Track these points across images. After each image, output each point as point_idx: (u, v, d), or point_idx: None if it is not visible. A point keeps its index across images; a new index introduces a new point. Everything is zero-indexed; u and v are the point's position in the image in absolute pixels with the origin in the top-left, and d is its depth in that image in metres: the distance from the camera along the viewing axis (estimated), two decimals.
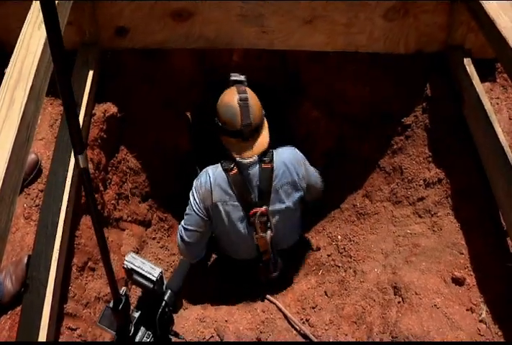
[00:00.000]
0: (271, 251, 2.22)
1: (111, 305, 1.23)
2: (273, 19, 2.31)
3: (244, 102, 1.99)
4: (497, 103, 2.27)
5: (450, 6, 2.26)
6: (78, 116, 0.84)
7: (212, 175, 2.09)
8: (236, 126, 1.99)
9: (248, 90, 2.07)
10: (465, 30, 2.31)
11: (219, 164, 2.11)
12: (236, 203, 2.09)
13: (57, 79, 0.75)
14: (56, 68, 0.74)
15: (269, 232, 2.14)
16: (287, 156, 2.17)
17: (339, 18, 2.30)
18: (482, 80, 2.26)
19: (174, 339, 1.50)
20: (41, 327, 1.50)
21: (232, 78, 2.14)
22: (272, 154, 2.13)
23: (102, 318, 1.30)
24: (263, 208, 2.10)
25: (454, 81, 2.31)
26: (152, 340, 1.34)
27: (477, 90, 2.16)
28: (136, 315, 1.33)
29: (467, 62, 2.30)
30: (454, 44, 2.36)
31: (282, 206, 2.16)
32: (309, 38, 2.37)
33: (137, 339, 1.33)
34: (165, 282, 1.39)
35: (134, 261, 1.31)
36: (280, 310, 2.00)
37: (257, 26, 2.34)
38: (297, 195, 2.19)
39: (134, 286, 1.86)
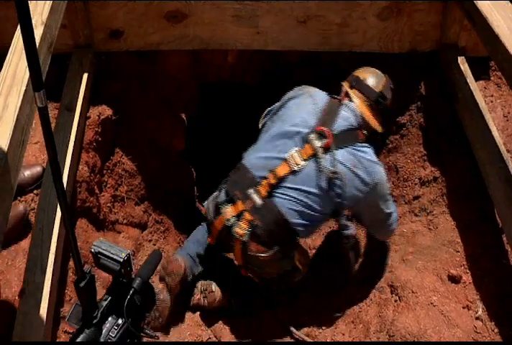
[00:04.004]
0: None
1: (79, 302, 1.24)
2: (267, 19, 2.32)
3: None
4: (492, 101, 2.28)
5: (443, 4, 2.27)
6: (36, 50, 0.83)
7: None
8: None
9: None
10: (458, 28, 2.32)
11: None
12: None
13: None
14: None
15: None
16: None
17: (332, 18, 2.31)
18: (476, 78, 2.28)
19: (146, 339, 1.49)
20: (37, 331, 1.50)
21: None
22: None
23: (71, 315, 1.29)
24: (328, 130, 1.89)
25: (448, 79, 2.32)
26: (119, 333, 1.33)
27: (471, 88, 2.18)
28: (105, 303, 1.33)
29: (461, 60, 2.31)
30: (448, 43, 2.37)
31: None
32: (303, 38, 2.37)
33: (104, 330, 1.32)
34: (134, 268, 1.38)
35: (102, 244, 1.30)
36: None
37: (252, 26, 2.34)
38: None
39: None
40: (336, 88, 2.14)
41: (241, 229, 1.91)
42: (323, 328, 1.90)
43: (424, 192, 2.20)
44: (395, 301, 1.89)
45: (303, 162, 1.89)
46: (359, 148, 1.92)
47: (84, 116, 2.14)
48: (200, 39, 2.39)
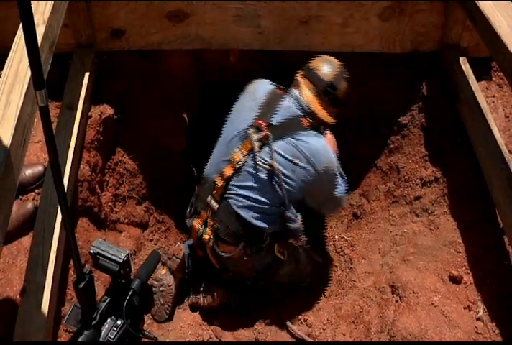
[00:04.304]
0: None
1: (78, 304, 1.24)
2: (269, 19, 2.32)
3: None
4: (493, 102, 2.28)
5: (445, 5, 2.27)
6: (38, 49, 0.84)
7: None
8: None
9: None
10: (460, 29, 2.31)
11: None
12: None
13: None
14: None
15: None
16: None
17: (334, 18, 2.31)
18: (478, 78, 2.28)
19: (145, 339, 1.49)
20: (38, 329, 1.50)
21: None
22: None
23: (69, 317, 1.29)
24: (264, 123, 1.91)
25: (449, 80, 2.32)
26: (118, 334, 1.33)
27: (473, 88, 2.17)
28: (103, 304, 1.32)
29: (463, 60, 2.31)
30: (450, 43, 2.36)
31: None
32: (305, 38, 2.37)
33: (103, 331, 1.32)
34: (132, 268, 1.38)
35: (101, 245, 1.30)
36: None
37: (253, 26, 2.35)
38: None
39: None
40: None
41: (207, 235, 2.00)
42: (324, 328, 1.90)
43: (426, 192, 2.20)
44: (396, 301, 1.89)
45: (243, 158, 1.93)
46: (300, 137, 1.92)
47: (85, 116, 2.14)
48: (201, 39, 2.39)
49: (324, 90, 2.00)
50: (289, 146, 1.90)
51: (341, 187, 2.09)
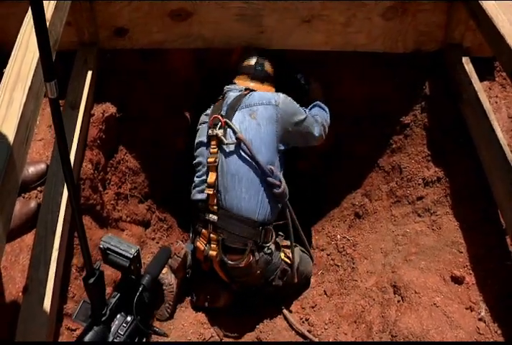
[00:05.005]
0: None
1: (87, 299, 1.23)
2: (271, 18, 2.31)
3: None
4: (496, 102, 2.28)
5: (448, 5, 2.26)
6: (48, 40, 0.84)
7: None
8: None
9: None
10: (463, 29, 2.31)
11: None
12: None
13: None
14: None
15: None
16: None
17: (337, 17, 2.31)
18: (481, 78, 2.27)
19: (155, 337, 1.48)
20: (40, 327, 1.50)
21: None
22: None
23: (78, 312, 1.28)
24: (217, 116, 2.10)
25: (452, 80, 2.31)
26: (128, 330, 1.31)
27: (476, 88, 2.17)
28: (113, 300, 1.31)
29: (466, 60, 2.30)
30: (453, 43, 2.36)
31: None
32: (307, 37, 2.37)
33: (113, 327, 1.30)
34: (143, 264, 1.37)
35: (111, 240, 1.29)
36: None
37: (256, 25, 2.34)
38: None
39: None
40: (339, 85, 2.13)
41: (213, 250, 2.05)
42: (326, 327, 1.90)
43: (428, 192, 2.19)
44: (398, 301, 1.89)
45: (217, 155, 2.05)
46: (246, 101, 2.11)
47: (88, 114, 2.14)
48: (204, 38, 2.39)
49: (255, 72, 2.28)
50: (242, 111, 2.08)
51: (313, 114, 2.29)
